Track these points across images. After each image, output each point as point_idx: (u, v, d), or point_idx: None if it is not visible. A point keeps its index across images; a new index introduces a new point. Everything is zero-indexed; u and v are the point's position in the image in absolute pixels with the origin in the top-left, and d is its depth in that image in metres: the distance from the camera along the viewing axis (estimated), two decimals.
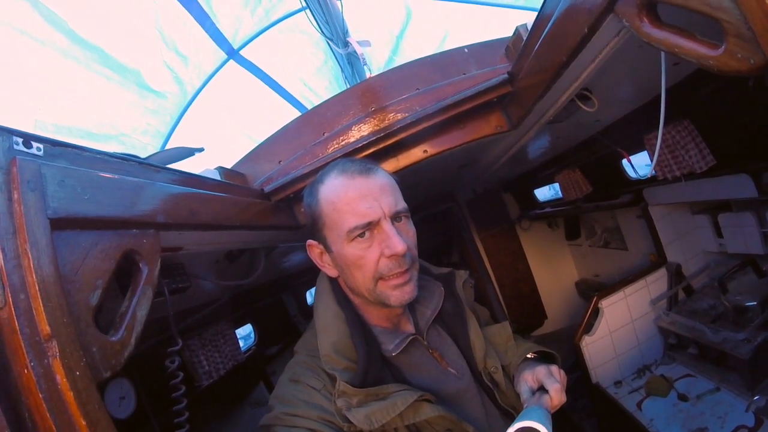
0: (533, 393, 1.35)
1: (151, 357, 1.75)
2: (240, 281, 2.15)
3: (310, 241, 1.41)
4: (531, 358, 1.60)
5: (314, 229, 1.37)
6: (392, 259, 1.26)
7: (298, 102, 5.62)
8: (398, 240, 1.24)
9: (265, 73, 5.11)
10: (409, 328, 1.49)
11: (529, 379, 1.40)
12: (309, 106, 5.27)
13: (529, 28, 1.72)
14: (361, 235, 1.25)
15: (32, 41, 2.97)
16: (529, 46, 1.69)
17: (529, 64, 1.75)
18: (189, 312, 2.23)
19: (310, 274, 4.18)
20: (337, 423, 1.18)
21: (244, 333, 3.77)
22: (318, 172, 1.42)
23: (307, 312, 4.30)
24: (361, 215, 1.23)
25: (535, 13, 1.60)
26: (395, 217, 1.29)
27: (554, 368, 1.37)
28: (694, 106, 2.30)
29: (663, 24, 0.94)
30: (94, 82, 3.42)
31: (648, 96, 2.24)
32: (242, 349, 3.09)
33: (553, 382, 1.31)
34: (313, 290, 2.83)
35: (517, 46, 2.02)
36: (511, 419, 1.46)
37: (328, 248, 1.35)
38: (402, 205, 1.32)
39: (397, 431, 1.23)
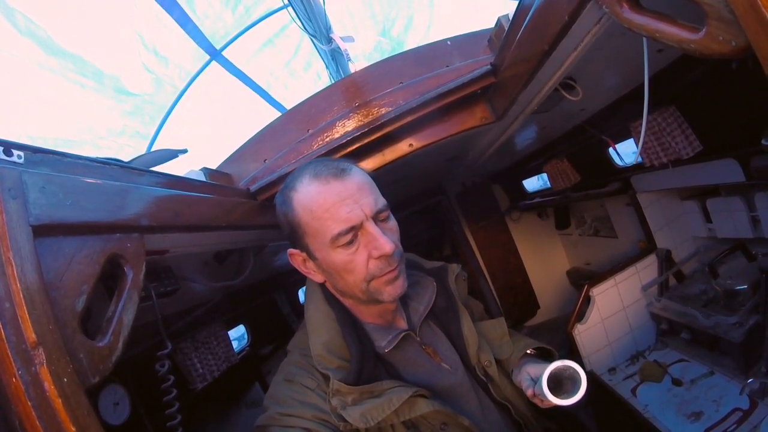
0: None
1: (145, 362, 1.74)
2: (230, 282, 2.15)
3: (290, 250, 1.39)
4: (530, 354, 1.62)
5: (294, 237, 1.34)
6: (381, 259, 1.25)
7: (279, 103, 5.65)
8: (385, 240, 1.22)
9: (245, 75, 5.11)
10: (402, 324, 1.49)
11: (531, 372, 1.41)
12: (288, 107, 5.30)
13: (511, 18, 1.71)
14: (349, 243, 1.23)
15: (7, 55, 2.95)
16: (511, 36, 1.68)
17: (512, 55, 1.74)
18: (180, 315, 2.22)
19: (300, 273, 4.13)
20: (333, 422, 1.18)
21: (238, 334, 3.76)
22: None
23: (300, 311, 4.25)
24: (343, 220, 1.21)
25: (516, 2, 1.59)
26: (377, 217, 1.27)
27: None
28: (680, 93, 2.31)
29: (643, 9, 0.93)
30: (72, 92, 3.40)
31: (633, 83, 2.24)
32: (236, 350, 3.09)
33: None
34: (305, 288, 2.85)
35: (500, 36, 2.02)
36: (506, 412, 1.48)
37: (311, 256, 1.33)
38: (382, 202, 1.30)
39: (393, 428, 1.23)
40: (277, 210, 1.40)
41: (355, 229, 1.23)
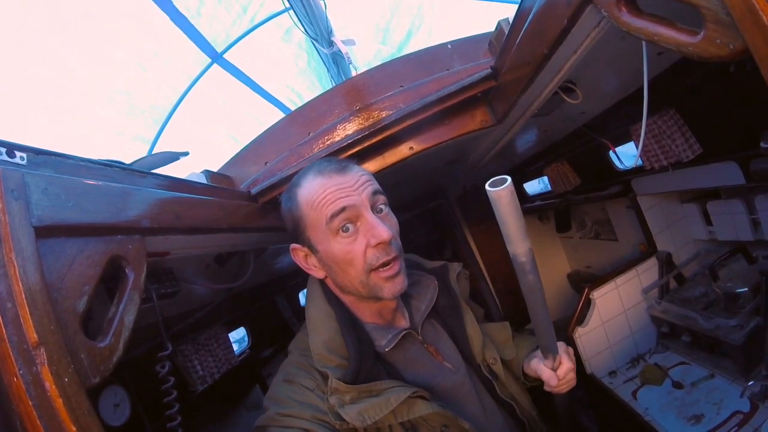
0: None
1: (146, 363, 1.74)
2: (230, 284, 2.15)
3: (293, 245, 1.41)
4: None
5: (297, 232, 1.37)
6: (379, 248, 1.27)
7: (282, 104, 5.65)
8: (383, 227, 1.26)
9: (248, 77, 5.12)
10: (404, 323, 1.50)
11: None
12: (292, 108, 5.31)
13: (511, 22, 1.72)
14: (345, 229, 1.27)
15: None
16: (511, 40, 1.69)
17: (512, 58, 1.75)
18: (181, 317, 2.23)
19: (301, 275, 4.07)
20: (331, 422, 1.18)
21: (238, 336, 3.76)
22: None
23: (301, 313, 4.29)
24: (337, 203, 1.25)
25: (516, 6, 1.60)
26: (375, 208, 1.31)
27: (570, 350, 1.45)
28: (679, 96, 2.31)
29: (642, 13, 0.94)
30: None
31: (633, 86, 2.24)
32: (236, 352, 3.09)
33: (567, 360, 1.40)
34: (305, 291, 2.85)
35: (500, 40, 2.02)
36: (510, 411, 1.49)
37: (313, 249, 1.35)
38: (381, 194, 1.34)
39: (391, 428, 1.23)
40: (282, 208, 1.43)
41: (349, 214, 1.26)
